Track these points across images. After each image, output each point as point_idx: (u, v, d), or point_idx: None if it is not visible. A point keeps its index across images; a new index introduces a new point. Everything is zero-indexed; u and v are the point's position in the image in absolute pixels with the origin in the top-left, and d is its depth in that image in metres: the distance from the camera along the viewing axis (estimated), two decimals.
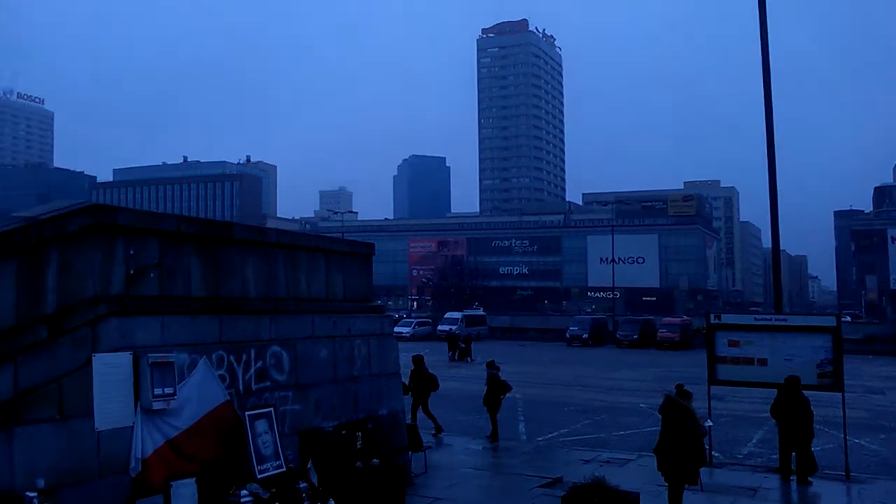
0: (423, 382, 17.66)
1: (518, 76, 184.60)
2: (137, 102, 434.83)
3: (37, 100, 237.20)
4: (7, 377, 6.61)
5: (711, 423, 12.94)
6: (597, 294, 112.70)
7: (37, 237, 7.11)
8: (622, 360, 43.93)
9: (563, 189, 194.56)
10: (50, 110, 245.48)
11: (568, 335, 58.76)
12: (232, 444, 8.87)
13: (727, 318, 15.50)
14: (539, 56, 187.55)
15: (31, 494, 6.43)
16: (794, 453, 13.29)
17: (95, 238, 7.71)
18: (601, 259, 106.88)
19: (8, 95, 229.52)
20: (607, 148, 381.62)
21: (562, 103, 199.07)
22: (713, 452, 13.93)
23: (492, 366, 18.07)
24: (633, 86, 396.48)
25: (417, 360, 17.94)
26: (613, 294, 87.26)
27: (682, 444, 10.09)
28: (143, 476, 7.72)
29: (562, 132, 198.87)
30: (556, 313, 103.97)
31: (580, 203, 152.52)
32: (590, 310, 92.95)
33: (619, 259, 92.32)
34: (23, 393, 6.72)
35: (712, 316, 15.27)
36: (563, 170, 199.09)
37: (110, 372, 7.58)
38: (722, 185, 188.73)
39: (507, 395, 17.70)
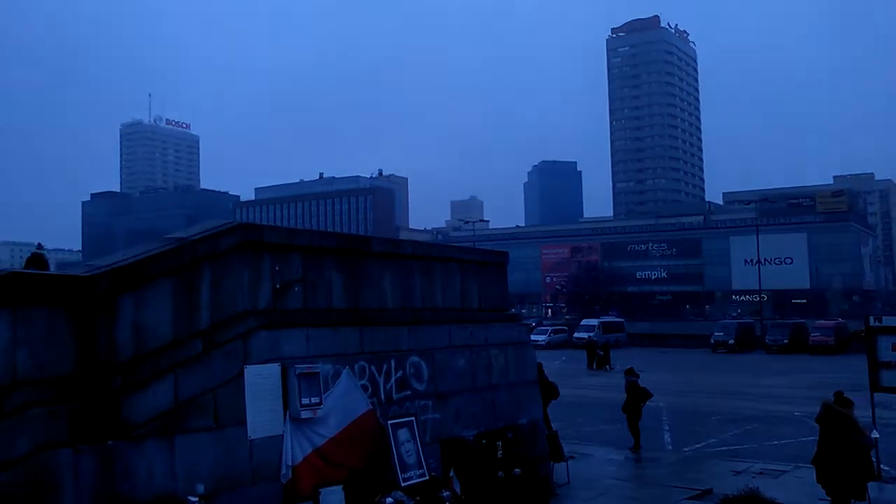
0: (543, 391, 17.47)
1: (650, 74, 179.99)
2: (276, 123, 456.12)
3: (183, 125, 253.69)
4: (168, 389, 7.04)
5: (878, 435, 12.05)
6: (742, 297, 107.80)
7: (190, 257, 7.54)
8: (772, 366, 41.81)
9: (702, 189, 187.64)
10: (195, 134, 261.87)
11: (712, 341, 56.50)
12: (376, 453, 9.08)
13: (889, 321, 14.37)
14: (672, 52, 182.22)
15: (193, 499, 6.83)
16: None
17: (243, 255, 8.12)
18: (745, 261, 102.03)
19: (158, 123, 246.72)
20: (748, 144, 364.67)
21: (697, 100, 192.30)
22: (882, 466, 12.98)
23: (631, 373, 17.71)
24: (773, 77, 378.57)
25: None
26: (760, 297, 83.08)
27: (844, 455, 9.47)
28: (293, 483, 8.03)
29: (698, 129, 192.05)
30: (699, 318, 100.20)
31: (720, 203, 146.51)
32: (735, 314, 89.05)
33: (766, 260, 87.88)
34: (182, 404, 7.14)
35: (872, 318, 14.23)
36: (700, 169, 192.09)
37: (261, 383, 7.95)
38: (877, 178, 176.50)
39: (650, 403, 17.22)
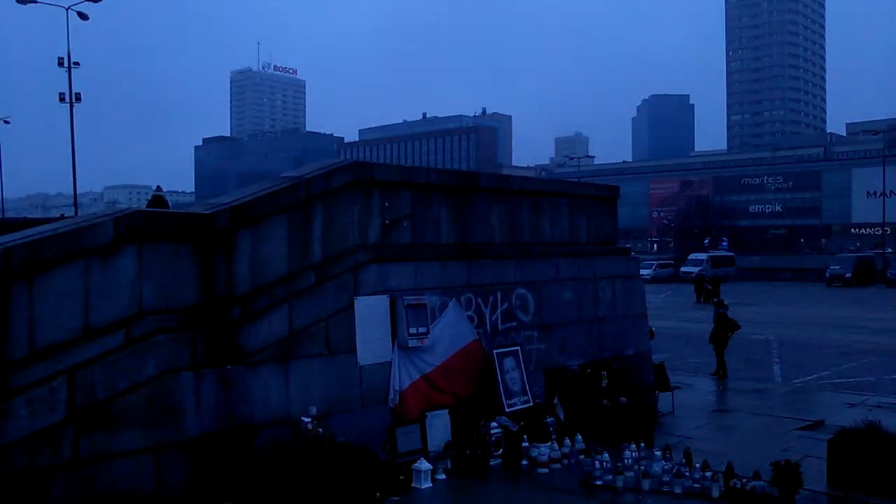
0: None
1: (771, 1, 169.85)
2: (379, 64, 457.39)
3: (290, 71, 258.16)
4: (282, 318, 7.43)
5: None
6: (861, 231, 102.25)
7: (304, 194, 7.84)
8: (892, 300, 39.77)
9: (823, 120, 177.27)
10: (302, 79, 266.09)
11: (828, 275, 54.08)
12: (482, 380, 9.33)
13: None
14: None
15: (307, 420, 7.25)
16: None
17: (354, 193, 8.38)
18: (868, 193, 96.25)
19: (266, 69, 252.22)
20: (875, 73, 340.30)
21: (822, 26, 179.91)
22: None
23: (720, 304, 18.01)
24: None
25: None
26: (883, 230, 78.62)
27: None
28: (401, 407, 8.38)
29: (822, 57, 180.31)
30: (814, 252, 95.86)
31: (843, 134, 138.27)
32: (854, 248, 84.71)
33: (892, 192, 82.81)
34: (295, 332, 7.54)
35: None
36: (822, 99, 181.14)
37: (370, 313, 8.28)
38: None
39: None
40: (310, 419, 7.21)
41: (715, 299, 19.91)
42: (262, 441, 7.00)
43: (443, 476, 7.86)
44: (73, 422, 5.83)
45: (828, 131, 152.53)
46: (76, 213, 30.32)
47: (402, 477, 7.46)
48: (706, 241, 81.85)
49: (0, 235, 6.19)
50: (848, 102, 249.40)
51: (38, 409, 5.65)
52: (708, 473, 7.69)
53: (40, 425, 5.65)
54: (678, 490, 7.49)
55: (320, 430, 6.65)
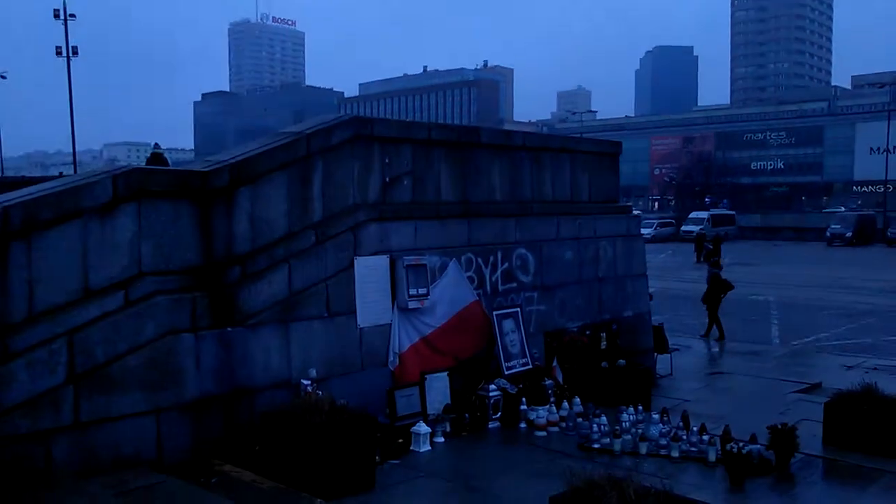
0: None
1: None
2: (378, 15, 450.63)
3: (289, 22, 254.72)
4: (282, 279, 7.40)
5: None
6: (864, 188, 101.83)
7: (304, 150, 7.74)
8: (894, 260, 39.77)
9: (828, 73, 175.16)
10: (301, 31, 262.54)
11: (828, 234, 54.05)
12: (481, 342, 9.35)
13: None
14: None
15: (306, 382, 7.25)
16: None
17: (355, 149, 8.27)
18: (871, 149, 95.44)
19: (265, 21, 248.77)
20: (886, 22, 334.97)
21: None
22: None
23: (714, 265, 18.19)
24: None
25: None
26: (885, 187, 78.14)
27: None
28: (401, 369, 8.40)
29: (830, 7, 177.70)
30: (814, 210, 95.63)
31: (848, 87, 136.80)
32: (855, 205, 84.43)
33: (895, 148, 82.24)
34: (295, 293, 7.50)
35: None
36: (829, 51, 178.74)
37: (370, 273, 8.24)
38: None
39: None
40: (309, 382, 7.21)
41: (713, 259, 19.93)
42: (263, 403, 7.01)
43: (441, 439, 7.90)
44: (74, 384, 5.83)
45: (833, 85, 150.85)
46: (75, 171, 30.14)
47: (401, 440, 7.50)
48: (707, 199, 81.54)
49: None
50: (854, 55, 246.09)
51: (39, 372, 5.64)
52: (705, 437, 7.73)
53: (41, 388, 5.64)
54: (675, 454, 7.53)
55: (320, 392, 6.66)
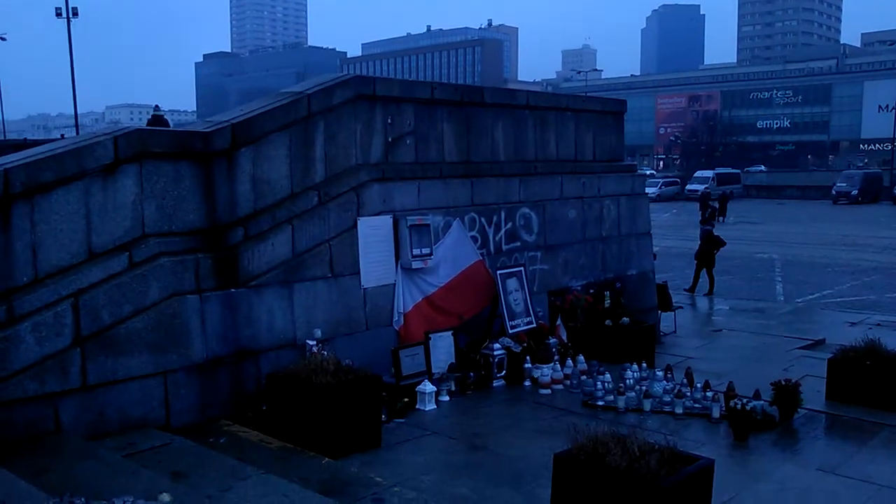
0: None
1: None
2: None
3: None
4: (286, 240, 7.39)
5: None
6: (871, 147, 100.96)
7: (305, 111, 7.68)
8: None
9: (838, 31, 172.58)
10: None
11: (834, 192, 53.85)
12: (485, 301, 9.36)
13: None
14: None
15: (311, 342, 7.29)
16: None
17: (357, 109, 8.21)
18: (879, 107, 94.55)
19: None
20: None
21: None
22: None
23: (706, 222, 18.67)
24: None
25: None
26: (893, 145, 77.61)
27: None
28: (405, 329, 8.44)
29: None
30: (821, 168, 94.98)
31: (858, 45, 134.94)
32: (861, 164, 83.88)
33: None
34: (299, 254, 7.50)
35: None
36: (838, 9, 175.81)
37: (373, 234, 8.24)
38: None
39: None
40: (314, 342, 7.25)
41: (711, 214, 20.14)
42: (269, 364, 7.05)
43: (446, 398, 7.96)
44: (80, 347, 5.86)
45: (841, 43, 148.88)
46: (77, 133, 30.04)
47: (406, 399, 7.55)
48: (715, 155, 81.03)
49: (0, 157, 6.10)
50: (866, 13, 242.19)
51: (45, 335, 5.67)
52: (709, 393, 7.78)
53: (48, 351, 5.67)
54: (679, 410, 7.58)
55: (325, 353, 6.69)
